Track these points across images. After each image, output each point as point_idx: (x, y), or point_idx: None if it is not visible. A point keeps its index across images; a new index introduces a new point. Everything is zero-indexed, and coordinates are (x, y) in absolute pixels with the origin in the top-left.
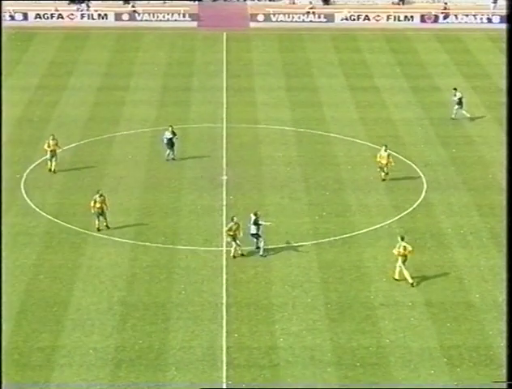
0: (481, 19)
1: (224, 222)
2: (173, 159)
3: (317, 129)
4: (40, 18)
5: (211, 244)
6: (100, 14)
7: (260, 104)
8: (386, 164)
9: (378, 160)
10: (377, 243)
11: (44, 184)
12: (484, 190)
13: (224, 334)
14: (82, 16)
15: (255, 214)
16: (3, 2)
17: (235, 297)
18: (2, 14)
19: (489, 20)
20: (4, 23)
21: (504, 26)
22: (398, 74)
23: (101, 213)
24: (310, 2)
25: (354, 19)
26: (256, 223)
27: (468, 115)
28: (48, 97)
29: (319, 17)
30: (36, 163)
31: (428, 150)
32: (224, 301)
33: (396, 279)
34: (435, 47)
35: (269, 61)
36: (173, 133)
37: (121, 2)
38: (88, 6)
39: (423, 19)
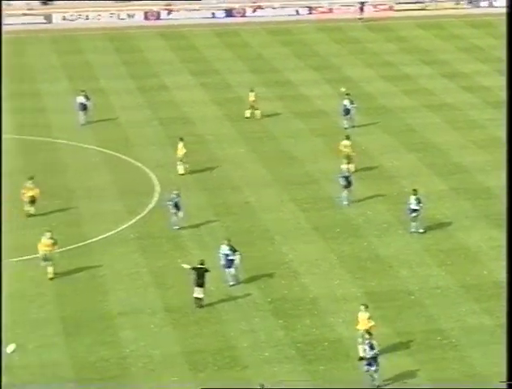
0: (205, 13)
1: None
2: None
3: (43, 135)
4: None
5: None
6: None
7: None
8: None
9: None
10: (111, 250)
11: None
12: (217, 189)
13: None
14: None
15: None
16: None
17: None
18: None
19: (213, 15)
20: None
21: (228, 20)
22: (124, 75)
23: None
24: (28, 3)
25: (74, 19)
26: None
27: None
28: None
29: (37, 18)
30: None
31: (159, 151)
32: None
33: None
34: (160, 45)
35: None
36: None
37: None
38: None
39: (146, 16)
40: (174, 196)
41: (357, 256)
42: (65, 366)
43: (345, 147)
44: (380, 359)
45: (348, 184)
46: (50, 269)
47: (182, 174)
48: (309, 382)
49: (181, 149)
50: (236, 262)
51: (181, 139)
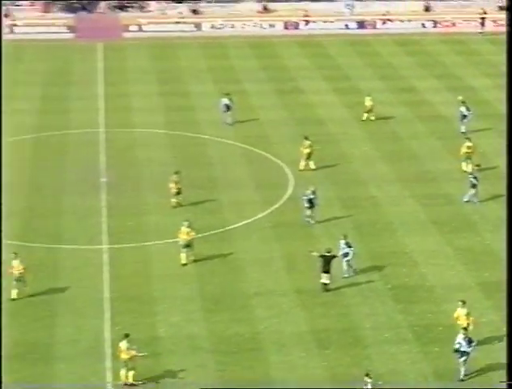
0: (339, 25)
1: (105, 222)
2: None
3: (190, 131)
4: None
5: (94, 243)
6: None
7: (135, 110)
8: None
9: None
10: (248, 237)
11: None
12: (347, 184)
13: (108, 327)
14: None
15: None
16: None
17: (118, 291)
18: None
19: (347, 26)
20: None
21: (360, 31)
22: (264, 79)
23: None
24: (180, 13)
25: (221, 28)
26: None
27: None
28: None
29: (188, 26)
30: None
31: (294, 148)
32: (108, 295)
33: None
34: (297, 52)
35: (143, 68)
36: None
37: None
38: None
39: (286, 26)
40: (309, 192)
41: (471, 249)
42: (204, 339)
43: (468, 148)
44: (486, 346)
45: (476, 183)
46: (189, 254)
47: (301, 170)
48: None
49: (305, 146)
50: (349, 257)
51: (306, 138)
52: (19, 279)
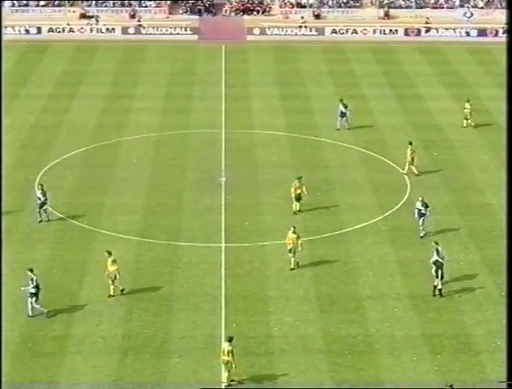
0: (460, 32)
1: (223, 220)
2: None
3: (309, 134)
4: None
5: (211, 241)
6: (108, 28)
7: (256, 112)
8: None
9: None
10: (364, 240)
11: (57, 185)
12: (463, 191)
13: (223, 324)
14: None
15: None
16: None
17: (233, 289)
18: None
19: (467, 34)
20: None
21: (481, 39)
22: (383, 84)
23: None
24: (302, 17)
25: (343, 33)
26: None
27: None
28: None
29: (310, 30)
30: (48, 166)
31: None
32: (223, 293)
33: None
34: (418, 58)
35: (264, 71)
36: None
37: (127, 17)
38: (97, 21)
39: (406, 32)
40: (419, 203)
41: None
42: (317, 339)
43: None
44: None
45: None
46: (292, 260)
47: (417, 175)
48: None
49: (410, 152)
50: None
51: (410, 143)
52: (114, 278)
